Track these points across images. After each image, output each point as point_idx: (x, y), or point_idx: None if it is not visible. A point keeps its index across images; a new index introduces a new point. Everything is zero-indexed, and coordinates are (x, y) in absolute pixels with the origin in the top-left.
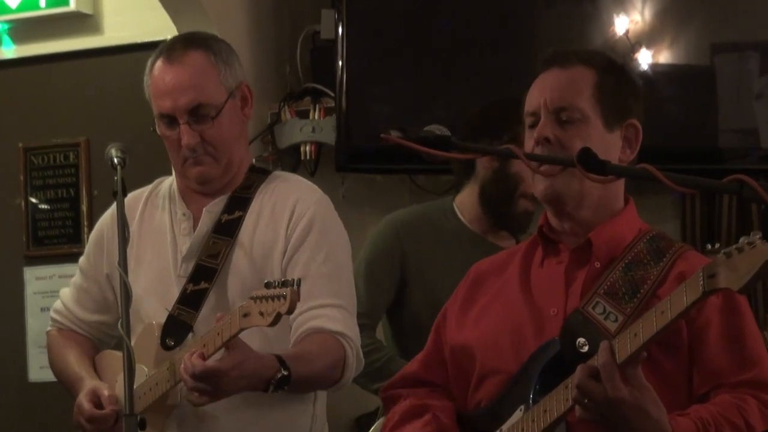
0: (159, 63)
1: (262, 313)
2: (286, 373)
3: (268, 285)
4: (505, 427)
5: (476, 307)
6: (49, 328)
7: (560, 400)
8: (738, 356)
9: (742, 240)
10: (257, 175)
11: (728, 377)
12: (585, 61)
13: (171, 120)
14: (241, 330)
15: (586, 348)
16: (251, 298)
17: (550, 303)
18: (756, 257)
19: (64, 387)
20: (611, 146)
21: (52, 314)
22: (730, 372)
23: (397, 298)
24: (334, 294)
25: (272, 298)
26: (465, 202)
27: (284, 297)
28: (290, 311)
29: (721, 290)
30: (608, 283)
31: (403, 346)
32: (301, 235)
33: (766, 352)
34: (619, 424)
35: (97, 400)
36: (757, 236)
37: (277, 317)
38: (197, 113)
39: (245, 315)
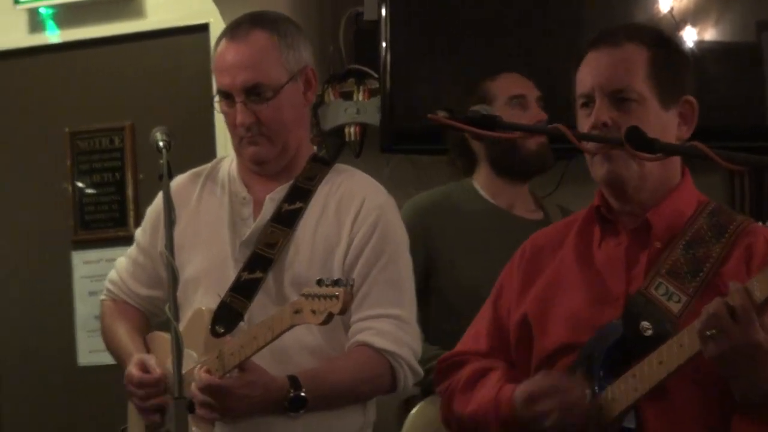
0: (224, 40)
1: (314, 311)
2: (298, 393)
3: (319, 282)
4: None
5: (536, 283)
6: (103, 297)
7: (629, 389)
8: None
9: None
10: (320, 166)
11: None
12: (635, 38)
13: (229, 97)
14: (292, 326)
15: (650, 332)
16: (303, 295)
17: (611, 285)
18: None
19: (113, 357)
20: (668, 125)
21: (107, 284)
22: None
23: (424, 284)
24: (391, 303)
25: (324, 297)
26: (482, 180)
27: (337, 297)
28: (342, 312)
29: None
30: (670, 263)
31: (432, 331)
32: (364, 238)
33: None
34: (745, 367)
35: (144, 368)
36: None
37: (329, 317)
38: (254, 93)
39: (296, 312)
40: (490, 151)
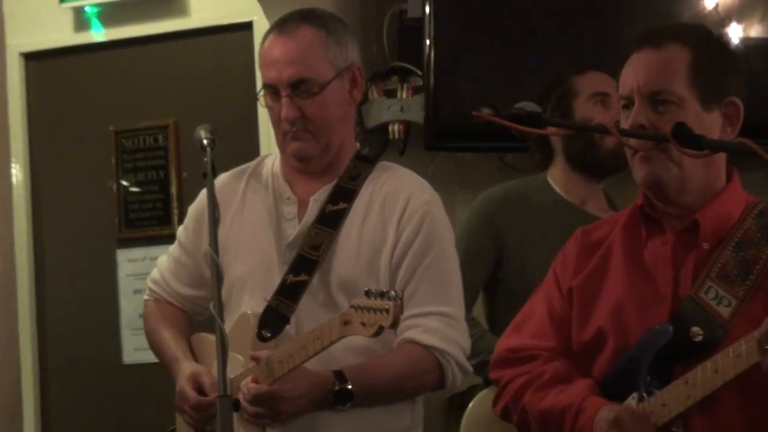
0: (272, 34)
1: (363, 324)
2: (344, 386)
3: (368, 294)
4: None
5: (585, 271)
6: (146, 297)
7: (681, 396)
8: None
9: None
10: (364, 165)
11: None
12: (678, 38)
13: (274, 91)
14: (341, 337)
15: (700, 337)
16: (352, 306)
17: (658, 284)
18: None
19: (158, 359)
20: (710, 127)
21: (149, 284)
22: None
23: (492, 274)
24: (439, 301)
25: (374, 310)
26: (556, 175)
27: (387, 311)
28: (393, 326)
29: None
30: (719, 265)
31: (497, 322)
32: (411, 235)
33: None
34: None
35: (199, 387)
36: None
37: (380, 330)
38: (300, 88)
39: (345, 323)
40: (567, 146)
